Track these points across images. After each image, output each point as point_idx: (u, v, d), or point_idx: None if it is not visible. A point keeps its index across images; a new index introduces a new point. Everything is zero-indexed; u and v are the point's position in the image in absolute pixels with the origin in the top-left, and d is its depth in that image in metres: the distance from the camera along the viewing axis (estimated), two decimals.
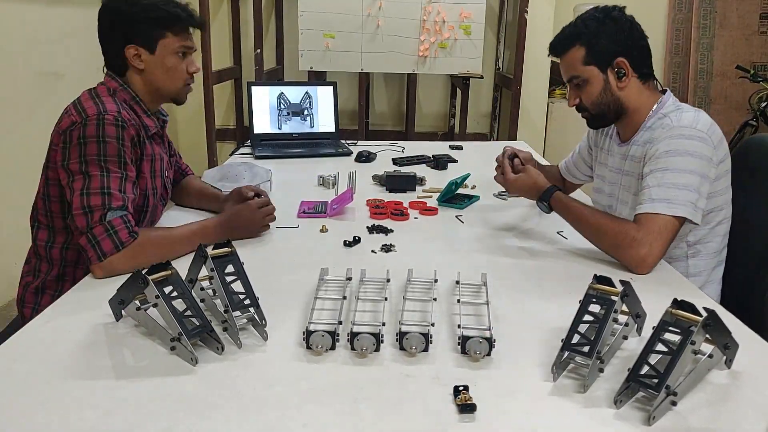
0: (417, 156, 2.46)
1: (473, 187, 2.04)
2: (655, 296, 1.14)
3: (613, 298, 1.03)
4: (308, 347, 1.03)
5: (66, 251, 1.45)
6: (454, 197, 1.90)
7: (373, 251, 1.49)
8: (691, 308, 0.96)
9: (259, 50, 3.83)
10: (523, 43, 3.79)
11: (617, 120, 1.60)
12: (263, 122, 2.58)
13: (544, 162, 2.20)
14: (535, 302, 1.24)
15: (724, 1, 4.43)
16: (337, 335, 1.04)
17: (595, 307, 1.04)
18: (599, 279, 1.09)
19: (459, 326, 1.06)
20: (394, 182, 2.01)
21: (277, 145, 2.53)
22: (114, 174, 1.33)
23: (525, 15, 3.75)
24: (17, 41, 2.66)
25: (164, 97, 1.53)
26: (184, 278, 1.11)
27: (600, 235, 1.43)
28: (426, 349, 1.03)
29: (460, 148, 2.69)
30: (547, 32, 3.99)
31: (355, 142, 2.74)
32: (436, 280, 1.27)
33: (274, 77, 4.14)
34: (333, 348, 1.04)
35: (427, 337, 1.03)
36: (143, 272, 1.03)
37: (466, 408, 0.88)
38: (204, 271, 1.13)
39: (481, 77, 3.82)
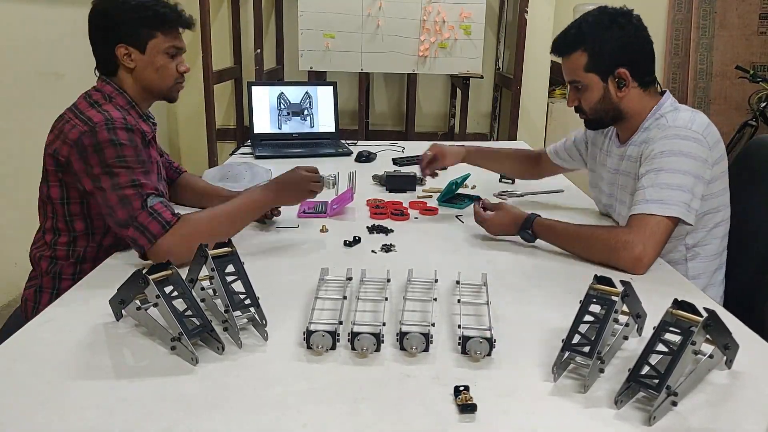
0: (417, 156, 2.45)
1: (473, 187, 2.04)
2: (655, 296, 1.15)
3: (614, 298, 1.03)
4: (308, 347, 1.03)
5: (86, 250, 1.47)
6: (454, 197, 1.90)
7: (373, 251, 1.49)
8: (691, 308, 0.96)
9: (259, 50, 3.83)
10: (523, 43, 3.79)
11: (614, 123, 1.60)
12: (263, 122, 2.58)
13: (495, 145, 2.26)
14: (536, 302, 1.24)
15: (724, 2, 4.43)
16: (338, 335, 1.04)
17: (595, 308, 1.04)
18: (599, 279, 1.09)
19: (459, 326, 1.06)
20: (394, 182, 2.02)
21: (277, 145, 2.54)
22: (138, 169, 1.35)
23: (525, 15, 3.75)
24: (17, 41, 2.66)
25: (155, 95, 1.54)
26: (184, 278, 1.11)
27: (591, 246, 1.42)
28: (426, 349, 1.03)
29: None
30: (547, 32, 3.99)
31: (355, 142, 2.74)
32: (436, 280, 1.27)
33: (274, 77, 4.13)
34: (333, 348, 1.04)
35: (427, 337, 1.03)
36: (143, 272, 1.03)
37: (467, 408, 0.88)
38: (204, 271, 1.13)
39: (481, 77, 3.82)
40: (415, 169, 2.16)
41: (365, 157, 2.41)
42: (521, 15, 3.77)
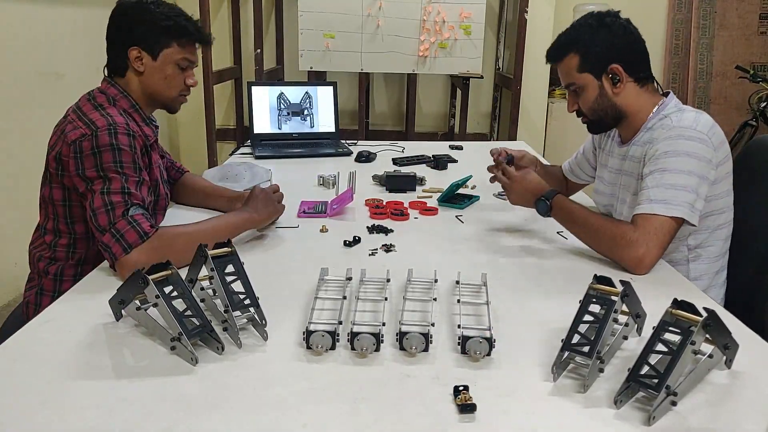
0: (417, 156, 2.46)
1: (473, 187, 2.04)
2: (655, 296, 1.15)
3: (613, 298, 1.03)
4: (308, 347, 1.03)
5: (87, 252, 1.47)
6: (454, 197, 1.90)
7: (373, 251, 1.49)
8: (691, 308, 0.96)
9: (259, 50, 3.83)
10: (523, 43, 3.79)
11: (617, 124, 1.60)
12: (263, 122, 2.58)
13: (545, 162, 2.20)
14: (535, 302, 1.24)
15: (724, 2, 4.43)
16: (337, 335, 1.04)
17: (595, 307, 1.04)
18: (599, 279, 1.09)
19: (459, 326, 1.06)
20: (394, 182, 2.01)
21: (277, 145, 2.54)
22: (132, 177, 1.35)
23: (525, 15, 3.75)
24: (17, 41, 2.66)
25: (157, 103, 1.55)
26: (184, 278, 1.11)
27: (598, 237, 1.43)
28: (426, 349, 1.03)
29: (460, 148, 2.69)
30: (547, 32, 3.99)
31: (355, 142, 2.74)
32: (436, 280, 1.27)
33: (274, 77, 4.14)
34: (333, 348, 1.04)
35: (427, 337, 1.03)
36: (143, 272, 1.03)
37: (466, 408, 0.88)
38: (204, 271, 1.13)
39: (481, 77, 3.82)
40: (415, 169, 2.16)
41: (365, 157, 2.41)
42: (521, 15, 3.77)
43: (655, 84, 1.57)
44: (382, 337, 1.05)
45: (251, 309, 1.10)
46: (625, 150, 1.61)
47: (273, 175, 2.03)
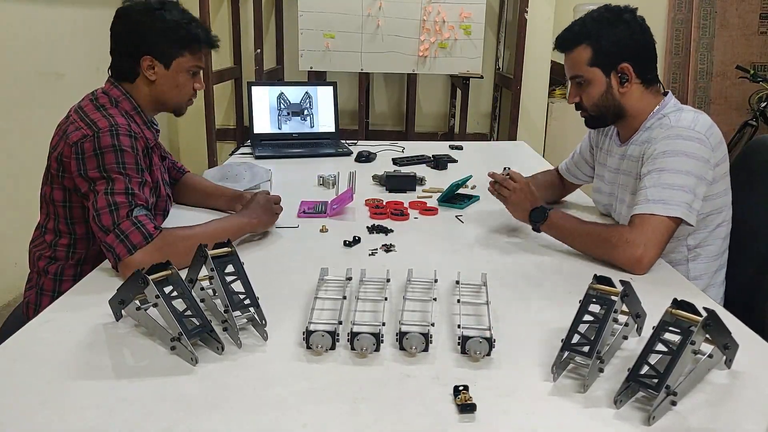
0: (417, 156, 2.46)
1: (473, 187, 2.04)
2: (655, 296, 1.15)
3: (613, 298, 1.03)
4: (308, 347, 1.03)
5: (87, 252, 1.47)
6: (454, 197, 1.90)
7: (373, 251, 1.49)
8: (691, 308, 0.96)
9: (259, 50, 3.83)
10: (523, 43, 3.79)
11: (616, 122, 1.60)
12: (263, 122, 2.58)
13: (546, 163, 2.21)
14: (535, 302, 1.24)
15: (724, 1, 4.43)
16: (337, 335, 1.04)
17: (595, 307, 1.04)
18: (599, 279, 1.09)
19: (459, 326, 1.06)
20: (394, 182, 2.01)
21: (277, 145, 2.53)
22: (135, 178, 1.35)
23: (525, 15, 3.75)
24: (17, 41, 2.66)
25: (167, 108, 1.56)
26: (184, 278, 1.11)
27: (593, 242, 1.43)
28: (426, 349, 1.03)
29: (460, 148, 2.69)
30: (547, 32, 3.99)
31: (355, 142, 2.74)
32: (436, 280, 1.27)
33: (274, 77, 4.14)
34: (333, 348, 1.04)
35: (427, 337, 1.03)
36: (143, 272, 1.03)
37: (466, 408, 0.88)
38: (204, 271, 1.13)
39: (481, 77, 3.82)
40: (415, 169, 2.16)
41: (365, 157, 2.41)
42: (521, 15, 3.77)
43: (659, 85, 1.56)
44: (382, 337, 1.05)
45: (251, 309, 1.10)
46: (623, 149, 1.61)
47: (273, 175, 2.03)
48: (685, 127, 1.44)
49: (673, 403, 0.88)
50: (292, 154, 2.45)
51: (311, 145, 2.56)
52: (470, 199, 1.90)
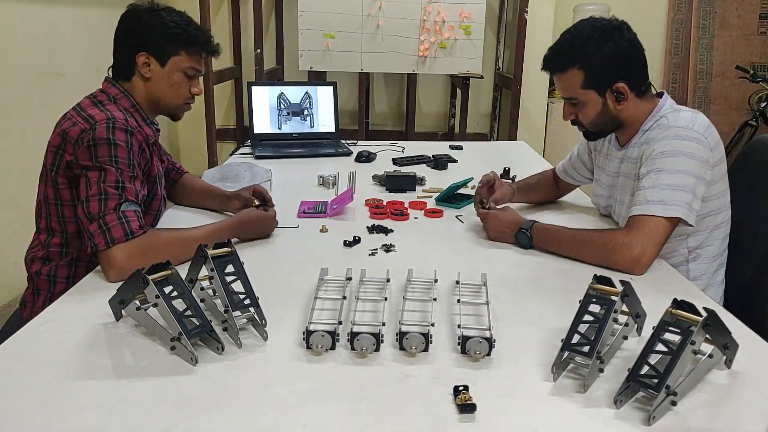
0: (417, 156, 2.46)
1: (473, 187, 2.03)
2: (655, 296, 1.15)
3: (613, 298, 1.03)
4: (308, 347, 1.03)
5: (80, 252, 1.46)
6: (452, 197, 1.90)
7: (373, 251, 1.49)
8: (691, 308, 0.96)
9: (259, 50, 3.83)
10: (523, 43, 3.79)
11: (614, 131, 1.60)
12: (263, 122, 2.58)
13: (546, 163, 2.20)
14: (535, 302, 1.24)
15: (724, 2, 4.43)
16: (337, 335, 1.04)
17: (595, 307, 1.04)
18: (599, 279, 1.09)
19: (459, 326, 1.06)
20: (394, 182, 2.02)
21: (277, 145, 2.54)
22: (126, 172, 1.35)
23: (525, 15, 3.75)
24: (17, 41, 2.66)
25: (162, 109, 1.56)
26: (184, 278, 1.11)
27: (589, 249, 1.42)
28: (426, 349, 1.03)
29: (460, 148, 2.69)
30: (547, 32, 3.99)
31: (355, 142, 2.74)
32: (436, 280, 1.27)
33: (274, 77, 4.14)
34: (333, 348, 1.04)
35: (427, 337, 1.03)
36: (143, 272, 1.03)
37: (466, 408, 0.88)
38: (204, 271, 1.13)
39: (481, 77, 3.82)
40: (415, 169, 2.16)
41: (365, 157, 2.41)
42: (521, 15, 3.77)
43: (652, 88, 1.56)
44: (382, 337, 1.05)
45: (251, 309, 1.10)
46: (622, 153, 1.61)
47: (273, 175, 2.03)
48: (683, 126, 1.44)
49: (673, 403, 0.88)
50: (292, 154, 2.45)
51: (311, 145, 2.57)
52: (468, 198, 1.90)
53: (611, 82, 1.48)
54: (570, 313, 1.04)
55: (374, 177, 2.11)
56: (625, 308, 1.05)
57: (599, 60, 1.46)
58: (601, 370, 0.97)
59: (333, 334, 1.03)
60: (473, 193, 1.95)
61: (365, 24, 3.57)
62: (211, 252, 1.13)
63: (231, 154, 2.61)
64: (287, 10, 4.22)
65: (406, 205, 1.84)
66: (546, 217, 1.63)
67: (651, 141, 1.48)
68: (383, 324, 1.08)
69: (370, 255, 1.47)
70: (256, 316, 1.10)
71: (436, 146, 2.70)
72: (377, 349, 1.03)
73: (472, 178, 1.98)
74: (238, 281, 1.13)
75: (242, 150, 2.54)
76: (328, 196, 1.87)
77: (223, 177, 1.97)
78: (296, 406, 0.90)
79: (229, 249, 1.16)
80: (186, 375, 0.97)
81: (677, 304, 0.97)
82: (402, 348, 1.04)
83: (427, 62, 3.66)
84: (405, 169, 2.16)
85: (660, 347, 0.93)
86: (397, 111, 4.46)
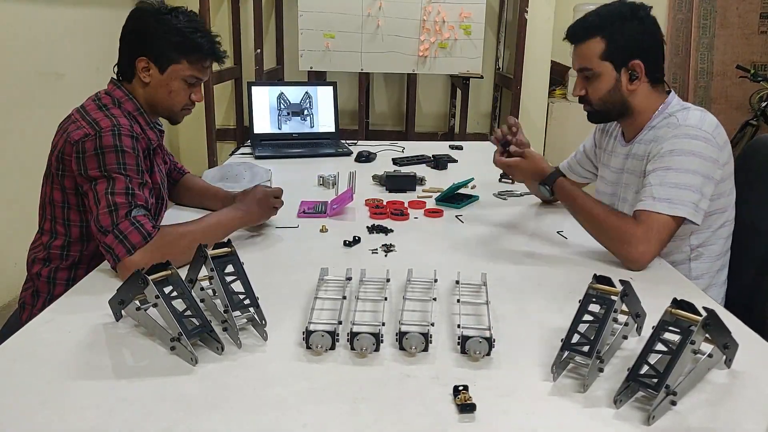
0: (417, 156, 2.46)
1: (473, 187, 2.04)
2: (655, 296, 1.14)
3: (613, 297, 1.03)
4: (308, 347, 1.03)
5: (81, 255, 1.47)
6: (452, 197, 1.90)
7: (373, 251, 1.49)
8: (690, 308, 0.96)
9: (259, 50, 3.83)
10: (523, 43, 3.79)
11: (619, 119, 1.59)
12: (263, 122, 2.58)
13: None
14: (535, 302, 1.24)
15: (724, 1, 4.43)
16: (337, 335, 1.04)
17: (594, 307, 1.04)
18: (599, 279, 1.09)
19: (459, 326, 1.06)
20: (394, 182, 2.01)
21: (277, 145, 2.54)
22: (135, 179, 1.35)
23: (525, 15, 3.75)
24: (17, 41, 2.66)
25: (158, 112, 1.55)
26: (184, 278, 1.11)
27: (600, 227, 1.43)
28: (426, 349, 1.03)
29: (460, 148, 2.69)
30: (547, 32, 3.99)
31: (355, 142, 2.74)
32: (436, 280, 1.27)
33: (274, 77, 4.14)
34: (333, 348, 1.04)
35: (426, 337, 1.03)
36: (143, 272, 1.03)
37: (466, 408, 0.88)
38: (204, 271, 1.13)
39: (481, 77, 3.82)
40: (415, 169, 2.16)
41: (365, 157, 2.41)
42: (521, 15, 3.77)
43: (664, 84, 1.56)
44: (382, 337, 1.05)
45: (251, 309, 1.10)
46: (628, 149, 1.61)
47: (273, 175, 2.03)
48: (692, 125, 1.44)
49: (673, 403, 0.88)
50: (292, 154, 2.45)
51: (311, 145, 2.57)
52: (469, 198, 1.90)
53: (629, 58, 1.49)
54: (570, 312, 1.04)
55: (374, 177, 2.11)
56: (624, 308, 1.05)
57: (623, 33, 1.48)
58: (601, 370, 0.97)
59: (333, 334, 1.03)
60: (474, 193, 1.96)
61: (365, 24, 3.57)
62: (210, 252, 1.13)
63: (231, 154, 2.61)
64: (287, 10, 4.22)
65: (406, 205, 1.84)
66: (551, 216, 1.63)
67: (659, 139, 1.47)
68: (383, 324, 1.08)
69: (370, 255, 1.47)
70: (256, 316, 1.10)
71: (436, 146, 2.70)
72: (377, 349, 1.03)
73: (472, 179, 1.98)
74: (238, 281, 1.13)
75: (242, 150, 2.54)
76: (328, 196, 1.87)
77: (223, 177, 1.97)
78: (296, 406, 0.90)
79: (229, 249, 1.16)
80: (186, 375, 0.97)
81: (677, 303, 0.97)
82: (402, 348, 1.04)
83: (427, 62, 3.66)
84: (405, 169, 2.16)
85: (660, 347, 0.93)
86: (397, 111, 4.47)
